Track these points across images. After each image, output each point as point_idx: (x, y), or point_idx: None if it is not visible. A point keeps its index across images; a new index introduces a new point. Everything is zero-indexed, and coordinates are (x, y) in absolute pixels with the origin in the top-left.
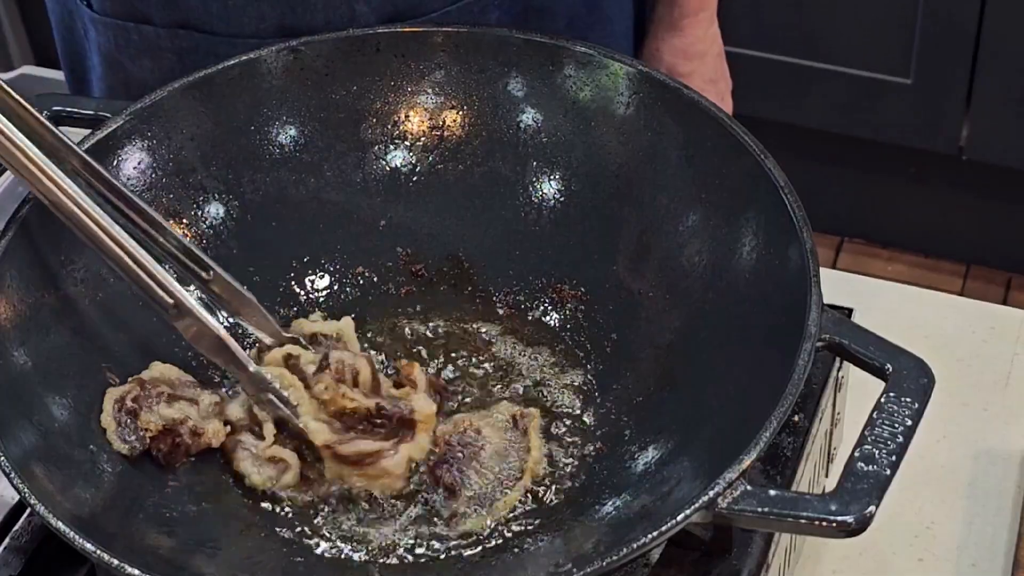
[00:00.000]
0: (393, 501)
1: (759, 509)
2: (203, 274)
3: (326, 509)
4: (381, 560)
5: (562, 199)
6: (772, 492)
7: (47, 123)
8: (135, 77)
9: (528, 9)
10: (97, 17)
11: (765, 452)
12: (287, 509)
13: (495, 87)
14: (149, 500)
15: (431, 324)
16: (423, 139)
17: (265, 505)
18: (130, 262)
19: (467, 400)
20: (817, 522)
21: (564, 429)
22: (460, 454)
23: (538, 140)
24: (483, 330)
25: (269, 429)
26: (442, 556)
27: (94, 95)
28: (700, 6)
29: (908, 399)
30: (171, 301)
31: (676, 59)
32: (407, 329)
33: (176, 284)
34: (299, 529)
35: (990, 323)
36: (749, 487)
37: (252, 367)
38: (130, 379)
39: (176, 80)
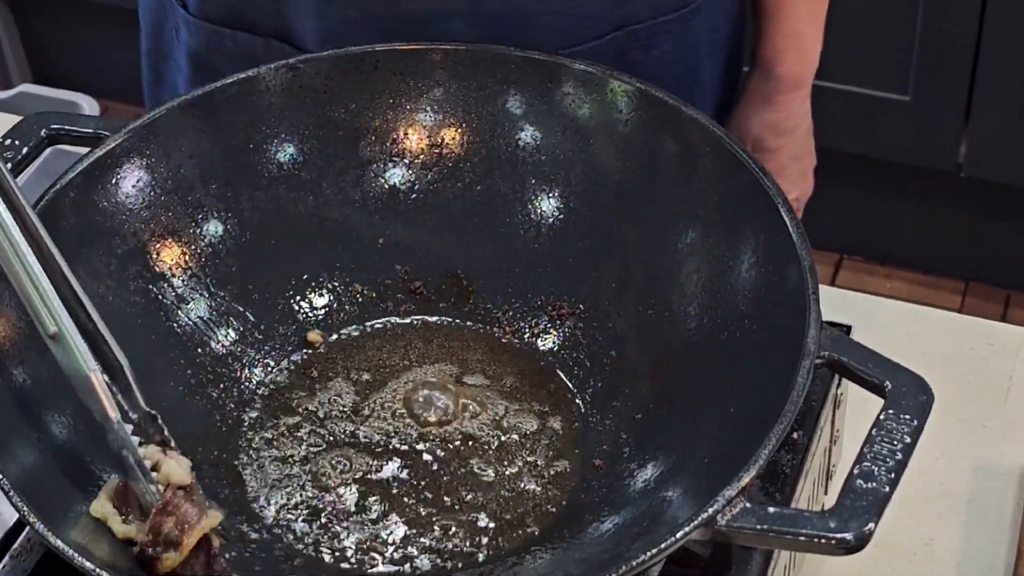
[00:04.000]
0: (389, 518)
1: (758, 526)
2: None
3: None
4: None
5: (561, 216)
6: (771, 509)
7: None
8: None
9: (624, 64)
10: (192, 19)
11: (764, 469)
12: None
13: (494, 105)
14: None
15: (429, 342)
16: (422, 157)
17: (275, 532)
18: (24, 278)
19: (472, 417)
20: (816, 539)
21: (563, 446)
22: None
23: (537, 158)
24: (481, 348)
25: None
26: (449, 569)
27: (179, 92)
28: (796, 84)
29: (907, 416)
30: (53, 329)
31: (765, 133)
32: (405, 347)
33: (64, 312)
34: (287, 543)
35: (989, 340)
36: (748, 504)
37: (115, 417)
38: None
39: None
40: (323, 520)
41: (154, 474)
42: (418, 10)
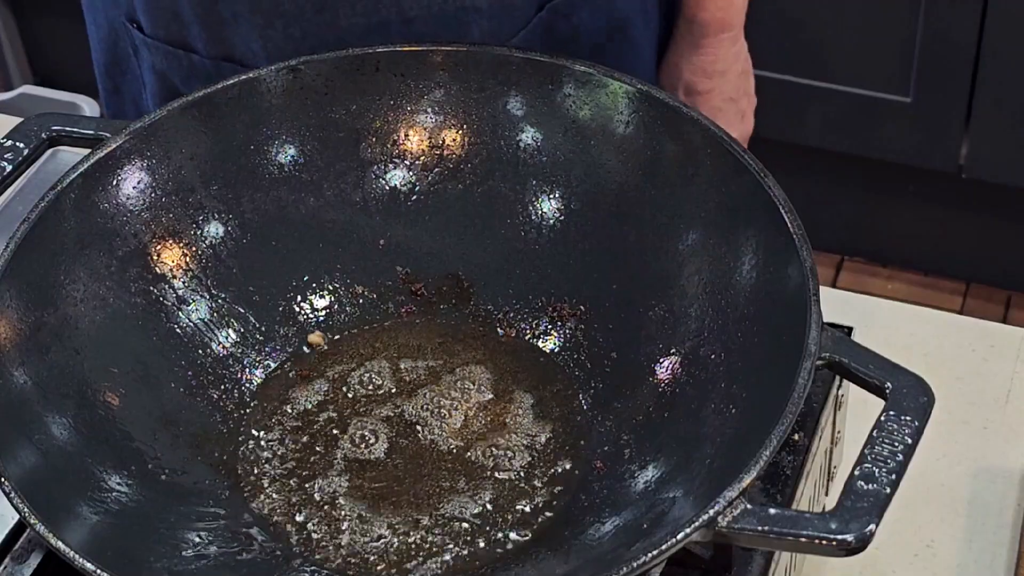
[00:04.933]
0: (388, 519)
1: (759, 527)
2: None
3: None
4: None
5: (561, 218)
6: (772, 510)
7: None
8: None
9: (552, 39)
10: (149, 40)
11: (765, 471)
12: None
13: (495, 106)
14: (153, 521)
15: (430, 343)
16: (423, 158)
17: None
18: None
19: (472, 418)
20: (817, 540)
21: (564, 447)
22: None
23: (537, 159)
24: (482, 349)
25: None
26: (448, 570)
27: (142, 105)
28: (721, 27)
29: (908, 417)
30: None
31: (695, 77)
32: (406, 349)
33: None
34: (307, 554)
35: (990, 341)
36: (749, 505)
37: None
38: None
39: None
40: (323, 521)
41: None
42: (353, 26)
